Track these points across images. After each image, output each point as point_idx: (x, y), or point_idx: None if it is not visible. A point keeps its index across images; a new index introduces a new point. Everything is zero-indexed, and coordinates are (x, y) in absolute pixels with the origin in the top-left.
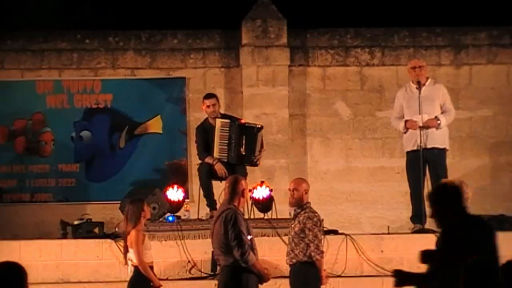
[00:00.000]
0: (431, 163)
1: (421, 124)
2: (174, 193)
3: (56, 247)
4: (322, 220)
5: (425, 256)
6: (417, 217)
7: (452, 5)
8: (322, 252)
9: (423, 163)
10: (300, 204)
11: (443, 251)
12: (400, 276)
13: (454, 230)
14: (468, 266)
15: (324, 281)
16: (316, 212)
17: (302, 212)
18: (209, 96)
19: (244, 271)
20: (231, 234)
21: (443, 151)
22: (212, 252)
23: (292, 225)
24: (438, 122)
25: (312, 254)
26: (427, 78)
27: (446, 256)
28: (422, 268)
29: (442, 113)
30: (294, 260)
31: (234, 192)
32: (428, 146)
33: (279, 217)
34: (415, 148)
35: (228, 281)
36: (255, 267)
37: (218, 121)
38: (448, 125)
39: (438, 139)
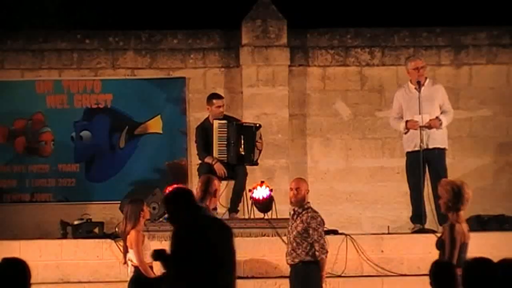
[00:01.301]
0: (432, 163)
1: (422, 124)
2: None
3: (56, 247)
4: None
5: (155, 254)
6: (417, 217)
7: (452, 5)
8: (327, 251)
9: (423, 163)
10: (301, 203)
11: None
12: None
13: (182, 231)
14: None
15: (323, 280)
16: (318, 212)
17: (304, 212)
18: (219, 97)
19: None
20: None
21: (443, 151)
22: None
23: (293, 225)
24: (440, 122)
25: (317, 253)
26: (425, 78)
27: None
28: (422, 268)
29: (441, 113)
30: (296, 260)
31: (207, 191)
32: (430, 147)
33: (279, 217)
34: (416, 148)
35: None
36: None
37: (216, 122)
38: (447, 125)
39: (439, 139)
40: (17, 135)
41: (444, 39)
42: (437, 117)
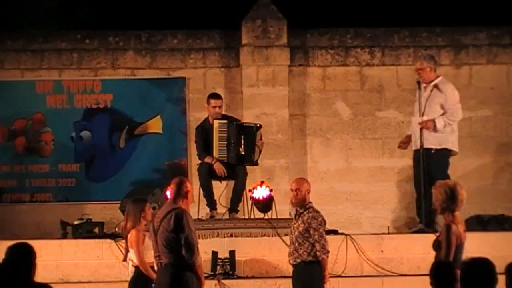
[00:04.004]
0: (428, 163)
1: (416, 126)
2: None
3: (56, 247)
4: None
5: None
6: (418, 216)
7: (452, 5)
8: (328, 251)
9: (426, 162)
10: (302, 204)
11: None
12: None
13: None
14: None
15: (326, 280)
16: (320, 212)
17: (305, 212)
18: (216, 96)
19: (188, 270)
20: (183, 234)
21: (441, 151)
22: (212, 252)
23: (295, 225)
24: (434, 124)
25: (318, 253)
26: (437, 77)
27: None
28: (422, 268)
29: (444, 113)
30: (298, 260)
31: (179, 193)
32: (425, 147)
33: (279, 217)
34: (416, 148)
35: (174, 278)
36: (199, 269)
37: (216, 122)
38: (448, 126)
39: (433, 139)
40: (17, 135)
41: (444, 39)
42: (433, 120)
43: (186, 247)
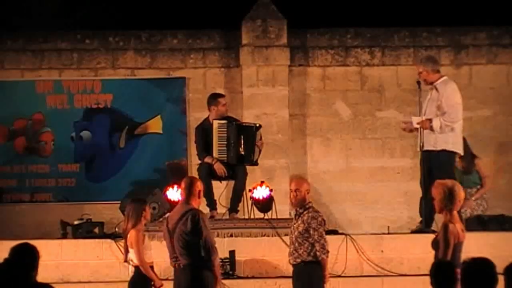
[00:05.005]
0: (433, 165)
1: (415, 125)
2: (174, 193)
3: (56, 247)
4: None
5: None
6: (421, 215)
7: (452, 5)
8: (328, 251)
9: (429, 164)
10: (302, 204)
11: None
12: None
13: None
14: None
15: (326, 280)
16: (319, 212)
17: (305, 212)
18: (223, 95)
19: (207, 270)
20: (201, 236)
21: (442, 153)
22: None
23: (295, 225)
24: (431, 124)
25: (318, 253)
26: (440, 78)
27: None
28: (422, 268)
29: (442, 114)
30: (298, 260)
31: (190, 193)
32: (424, 148)
33: (279, 217)
34: (418, 149)
35: (193, 279)
36: (217, 269)
37: (215, 122)
38: (446, 127)
39: (432, 141)
40: (17, 135)
41: (444, 39)
42: (429, 119)
43: (205, 248)
